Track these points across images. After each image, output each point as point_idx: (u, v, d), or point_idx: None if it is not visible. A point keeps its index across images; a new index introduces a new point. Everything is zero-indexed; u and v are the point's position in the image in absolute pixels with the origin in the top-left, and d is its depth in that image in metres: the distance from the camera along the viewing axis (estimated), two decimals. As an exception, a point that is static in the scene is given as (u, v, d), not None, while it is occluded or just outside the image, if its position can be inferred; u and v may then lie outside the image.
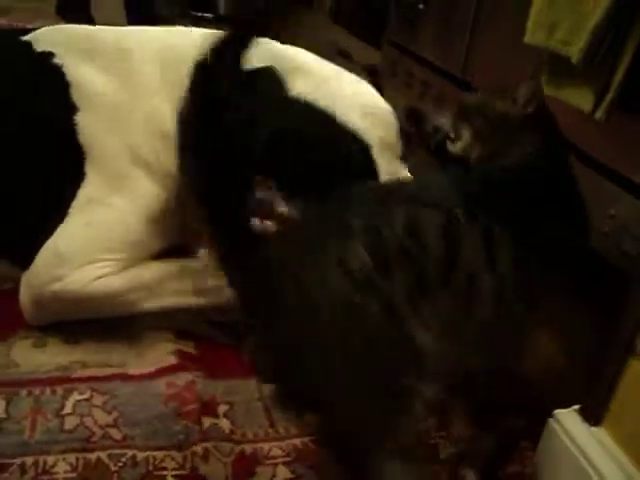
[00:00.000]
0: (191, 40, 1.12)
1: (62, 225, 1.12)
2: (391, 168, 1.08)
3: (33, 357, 1.12)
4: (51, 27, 1.27)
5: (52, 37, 1.22)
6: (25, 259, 1.13)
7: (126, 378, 1.08)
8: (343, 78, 1.13)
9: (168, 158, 1.09)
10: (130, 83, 1.14)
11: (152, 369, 1.11)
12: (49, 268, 1.10)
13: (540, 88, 1.05)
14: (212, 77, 0.85)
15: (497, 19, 1.62)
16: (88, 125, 1.13)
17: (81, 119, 1.13)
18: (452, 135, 0.98)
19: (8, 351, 1.13)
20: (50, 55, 1.17)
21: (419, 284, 0.73)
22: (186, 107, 0.80)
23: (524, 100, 0.98)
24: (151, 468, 0.93)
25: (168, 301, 1.15)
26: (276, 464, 0.96)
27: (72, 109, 1.13)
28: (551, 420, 0.92)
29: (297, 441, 1.00)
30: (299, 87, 1.06)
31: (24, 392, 1.05)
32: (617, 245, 1.07)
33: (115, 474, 0.92)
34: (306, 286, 0.73)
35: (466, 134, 0.97)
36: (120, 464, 0.93)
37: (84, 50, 1.17)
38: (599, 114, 1.12)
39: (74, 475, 0.91)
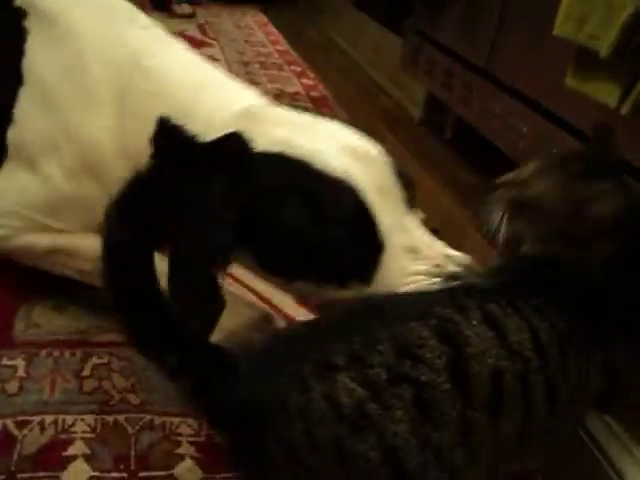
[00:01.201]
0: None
1: None
2: (395, 216, 0.83)
3: (53, 319, 1.14)
4: None
5: None
6: None
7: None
8: (321, 123, 0.89)
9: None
10: (77, 76, 1.06)
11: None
12: None
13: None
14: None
15: (525, 11, 1.62)
16: (24, 100, 1.09)
17: (21, 93, 1.09)
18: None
19: (29, 313, 1.15)
20: (24, 15, 1.11)
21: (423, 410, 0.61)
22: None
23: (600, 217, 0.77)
24: (167, 433, 0.95)
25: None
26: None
27: (18, 81, 1.09)
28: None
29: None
30: (268, 140, 0.84)
31: (44, 353, 1.07)
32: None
33: (133, 437, 0.94)
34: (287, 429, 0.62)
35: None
36: (137, 427, 0.96)
37: (51, 24, 1.10)
38: (625, 109, 1.12)
39: (93, 435, 0.94)
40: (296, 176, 0.81)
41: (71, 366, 1.05)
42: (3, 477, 0.86)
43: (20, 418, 0.95)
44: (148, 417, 0.97)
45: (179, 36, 1.15)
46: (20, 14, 1.11)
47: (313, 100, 2.41)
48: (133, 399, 1.00)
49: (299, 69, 2.80)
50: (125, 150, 1.01)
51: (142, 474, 0.89)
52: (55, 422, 0.95)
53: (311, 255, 0.81)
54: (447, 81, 1.99)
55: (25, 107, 1.08)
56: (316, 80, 2.65)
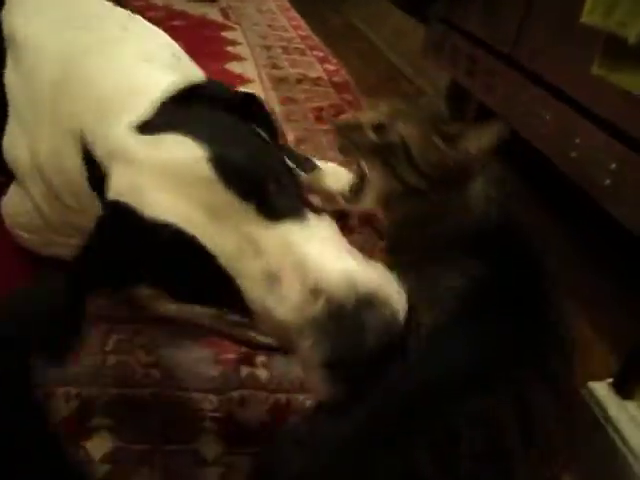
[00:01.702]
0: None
1: None
2: (239, 237, 0.68)
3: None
4: None
5: None
6: None
7: (166, 322, 1.11)
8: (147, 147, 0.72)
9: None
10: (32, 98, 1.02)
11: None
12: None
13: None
14: None
15: (551, -2, 1.61)
16: (10, 122, 1.06)
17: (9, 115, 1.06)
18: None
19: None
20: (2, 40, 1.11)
21: None
22: None
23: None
24: (190, 408, 0.97)
25: None
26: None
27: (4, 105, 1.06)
28: (583, 391, 0.94)
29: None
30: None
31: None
32: None
33: (156, 411, 0.96)
34: None
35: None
36: (161, 402, 0.97)
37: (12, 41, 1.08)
38: (652, 97, 1.12)
39: (117, 408, 0.95)
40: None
41: (94, 341, 1.07)
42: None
43: (45, 390, 0.96)
44: (170, 392, 0.99)
45: (199, 19, 1.13)
46: (2, 38, 1.12)
47: (335, 85, 2.40)
48: (156, 373, 1.02)
49: (321, 54, 2.79)
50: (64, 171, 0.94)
51: (165, 447, 0.91)
52: (79, 394, 0.97)
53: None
54: (471, 68, 1.98)
55: (9, 130, 1.06)
56: (338, 65, 2.65)
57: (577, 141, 1.36)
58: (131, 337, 1.08)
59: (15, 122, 1.05)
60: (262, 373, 1.04)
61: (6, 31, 1.10)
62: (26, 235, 1.14)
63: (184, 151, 0.69)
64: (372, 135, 0.91)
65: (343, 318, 0.63)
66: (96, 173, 0.81)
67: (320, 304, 0.64)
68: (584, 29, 1.25)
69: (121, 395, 0.97)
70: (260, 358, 1.07)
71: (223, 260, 0.67)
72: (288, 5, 3.84)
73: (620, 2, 1.17)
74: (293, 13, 3.64)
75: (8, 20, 1.11)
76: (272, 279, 0.66)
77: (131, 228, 0.69)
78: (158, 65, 0.97)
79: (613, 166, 1.24)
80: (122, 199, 0.70)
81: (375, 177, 0.93)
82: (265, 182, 0.70)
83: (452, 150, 0.87)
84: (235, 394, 1.00)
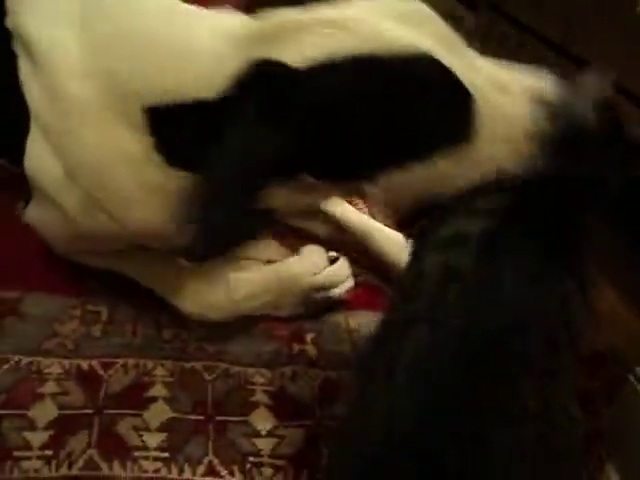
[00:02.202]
0: None
1: None
2: (467, 61, 0.79)
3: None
4: None
5: None
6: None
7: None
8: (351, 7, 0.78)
9: None
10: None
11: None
12: None
13: None
14: None
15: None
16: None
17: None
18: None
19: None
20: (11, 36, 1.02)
21: None
22: None
23: None
24: (242, 382, 1.00)
25: None
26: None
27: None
28: (630, 377, 0.94)
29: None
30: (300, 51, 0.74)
31: (125, 302, 1.12)
32: None
33: (209, 384, 0.99)
34: None
35: None
36: (214, 375, 1.00)
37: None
38: None
39: (172, 379, 0.99)
40: (354, 72, 0.73)
41: (151, 315, 1.10)
42: (91, 411, 0.92)
43: (105, 360, 1.00)
44: (224, 366, 1.02)
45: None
46: (9, 35, 1.02)
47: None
48: (209, 347, 1.05)
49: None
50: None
51: (218, 418, 0.94)
52: (137, 365, 1.00)
53: (400, 131, 0.75)
54: (519, 56, 1.97)
55: (32, 142, 1.00)
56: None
57: (633, 134, 1.35)
58: (185, 312, 1.11)
59: (37, 132, 0.98)
60: (312, 350, 1.07)
61: (21, 35, 1.00)
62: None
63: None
64: None
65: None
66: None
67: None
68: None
69: (176, 367, 1.01)
70: (309, 335, 1.10)
71: (461, 76, 0.75)
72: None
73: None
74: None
75: (21, 23, 1.01)
76: (501, 87, 0.76)
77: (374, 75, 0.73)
78: None
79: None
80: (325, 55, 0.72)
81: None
82: None
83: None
84: (287, 369, 1.02)
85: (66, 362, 0.99)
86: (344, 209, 1.26)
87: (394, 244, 1.20)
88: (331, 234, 1.26)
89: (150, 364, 1.01)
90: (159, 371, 1.00)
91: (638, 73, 1.30)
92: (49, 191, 0.99)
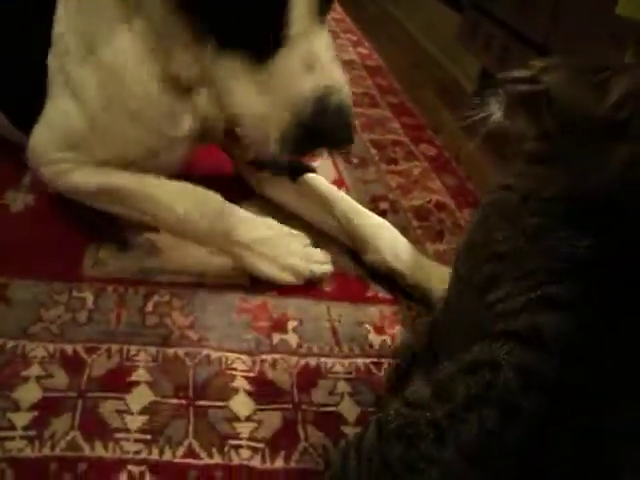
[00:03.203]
0: None
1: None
2: (308, 18, 0.90)
3: (119, 259, 1.22)
4: None
5: None
6: (25, 123, 1.21)
7: (202, 286, 1.17)
8: None
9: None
10: None
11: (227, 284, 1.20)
12: (31, 158, 1.21)
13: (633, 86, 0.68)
14: None
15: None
16: (59, 27, 1.14)
17: (55, 20, 1.15)
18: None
19: (97, 250, 1.23)
20: None
21: None
22: None
23: (619, 98, 0.67)
24: (223, 367, 1.02)
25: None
26: (337, 379, 1.03)
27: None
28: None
29: (360, 361, 1.07)
30: None
31: (110, 289, 1.14)
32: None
33: (191, 369, 1.01)
34: None
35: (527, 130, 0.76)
36: (196, 361, 1.02)
37: None
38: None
39: (154, 365, 1.01)
40: None
41: (135, 302, 1.12)
42: (75, 394, 0.94)
43: (89, 345, 1.02)
44: (205, 352, 1.04)
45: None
46: None
47: (368, 69, 2.44)
48: (192, 335, 1.07)
49: (355, 38, 2.82)
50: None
51: (199, 403, 0.96)
52: (120, 350, 1.02)
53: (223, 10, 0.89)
54: (503, 56, 2.01)
55: (61, 32, 1.13)
56: (371, 49, 2.68)
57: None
58: (169, 300, 1.14)
59: (69, 21, 1.12)
60: (293, 338, 1.09)
61: None
62: (59, 159, 1.18)
63: None
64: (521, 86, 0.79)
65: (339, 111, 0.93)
66: None
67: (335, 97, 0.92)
68: (620, 19, 1.28)
69: (159, 353, 1.03)
70: (291, 323, 1.12)
71: (291, 23, 0.89)
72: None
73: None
74: None
75: None
76: (309, 66, 0.91)
77: None
78: None
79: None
80: None
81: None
82: None
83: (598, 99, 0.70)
84: (267, 357, 1.05)
85: (50, 346, 1.01)
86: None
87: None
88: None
89: (133, 350, 1.03)
90: (142, 356, 1.02)
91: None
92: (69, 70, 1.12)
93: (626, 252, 0.67)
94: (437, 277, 1.17)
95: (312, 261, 1.20)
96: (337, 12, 3.27)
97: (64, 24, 1.13)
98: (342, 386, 1.02)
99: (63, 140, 1.16)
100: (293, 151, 0.98)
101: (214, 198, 1.17)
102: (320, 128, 0.93)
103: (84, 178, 1.17)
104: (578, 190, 0.70)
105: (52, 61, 1.16)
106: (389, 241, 1.24)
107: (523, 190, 0.73)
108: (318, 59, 0.91)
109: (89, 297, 1.12)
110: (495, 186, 0.78)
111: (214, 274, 1.21)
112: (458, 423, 0.64)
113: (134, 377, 0.99)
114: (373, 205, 1.48)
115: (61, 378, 0.96)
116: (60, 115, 1.16)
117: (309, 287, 1.21)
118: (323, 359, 1.06)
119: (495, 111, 0.79)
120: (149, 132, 1.16)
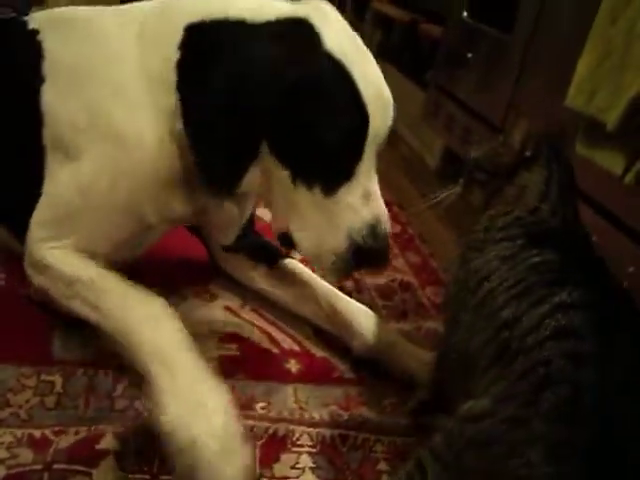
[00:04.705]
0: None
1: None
2: (370, 160, 1.07)
3: (89, 341, 1.20)
4: (47, 10, 1.37)
5: (42, 17, 1.30)
6: (18, 227, 1.21)
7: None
8: (369, 53, 1.10)
9: (139, 121, 1.11)
10: (99, 49, 1.16)
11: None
12: (28, 241, 1.18)
13: (535, 131, 1.06)
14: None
15: (542, 76, 1.72)
16: (49, 93, 1.17)
17: (45, 89, 1.17)
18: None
19: (66, 333, 1.23)
20: (35, 32, 1.24)
21: None
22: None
23: (520, 144, 1.03)
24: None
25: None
26: (300, 453, 1.06)
27: (41, 80, 1.17)
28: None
29: (327, 432, 1.10)
30: (337, 42, 1.03)
31: (80, 372, 1.15)
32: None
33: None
34: None
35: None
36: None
37: (63, 26, 1.23)
38: (628, 178, 1.22)
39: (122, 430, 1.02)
40: (342, 90, 1.02)
41: (104, 386, 1.13)
42: (40, 467, 0.95)
43: (57, 428, 1.03)
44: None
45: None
46: (34, 32, 1.24)
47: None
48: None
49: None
50: (150, 84, 1.10)
51: (163, 477, 0.97)
52: (89, 430, 1.03)
53: (312, 149, 1.02)
54: (465, 137, 2.09)
55: (53, 100, 1.16)
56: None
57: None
58: (139, 382, 1.14)
59: (62, 88, 1.16)
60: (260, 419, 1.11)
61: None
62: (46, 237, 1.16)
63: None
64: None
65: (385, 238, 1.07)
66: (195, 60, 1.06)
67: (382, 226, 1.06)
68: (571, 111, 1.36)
69: (127, 432, 1.03)
70: (259, 405, 1.14)
71: (360, 164, 1.06)
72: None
73: (601, 90, 1.27)
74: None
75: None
76: (365, 197, 1.05)
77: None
78: None
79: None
80: (344, 63, 1.02)
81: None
82: None
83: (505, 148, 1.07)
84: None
85: (19, 432, 1.01)
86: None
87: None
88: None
89: (100, 430, 1.03)
90: (109, 438, 1.02)
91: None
92: (74, 145, 1.13)
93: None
94: (415, 358, 1.23)
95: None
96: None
97: (59, 101, 1.15)
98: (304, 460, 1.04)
99: (55, 215, 1.16)
100: (344, 271, 1.09)
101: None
102: (369, 251, 1.05)
103: (62, 260, 1.14)
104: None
105: (48, 139, 1.17)
106: (371, 326, 1.28)
107: (485, 224, 1.00)
108: (372, 193, 1.06)
109: (58, 380, 1.13)
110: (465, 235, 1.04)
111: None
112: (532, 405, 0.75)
113: (102, 445, 1.00)
114: (338, 284, 1.51)
115: (27, 455, 0.97)
116: (57, 191, 1.15)
117: (276, 368, 1.23)
118: (292, 426, 1.10)
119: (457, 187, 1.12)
120: (143, 217, 1.17)
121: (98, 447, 0.99)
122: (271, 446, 1.05)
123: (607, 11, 1.28)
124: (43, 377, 1.13)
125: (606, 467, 0.72)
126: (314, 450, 1.06)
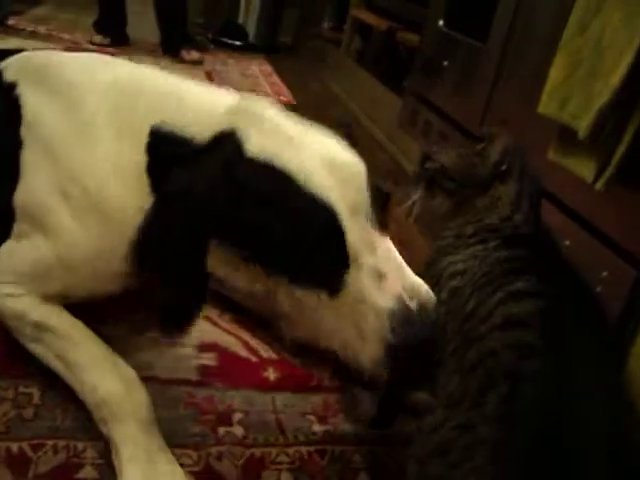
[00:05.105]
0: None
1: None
2: (365, 236, 0.90)
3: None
4: (23, 55, 1.33)
5: (19, 67, 1.27)
6: None
7: (151, 379, 1.18)
8: (307, 134, 0.96)
9: (114, 193, 1.08)
10: (73, 114, 1.13)
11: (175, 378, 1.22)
12: None
13: (511, 144, 1.08)
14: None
15: (516, 85, 1.75)
16: (26, 158, 1.15)
17: (23, 154, 1.15)
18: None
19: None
20: (13, 86, 1.21)
21: None
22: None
23: (499, 157, 1.04)
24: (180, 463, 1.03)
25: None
26: (280, 470, 1.06)
27: (19, 145, 1.15)
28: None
29: (304, 449, 1.11)
30: (259, 146, 0.92)
31: (58, 383, 1.14)
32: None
33: (138, 464, 1.02)
34: None
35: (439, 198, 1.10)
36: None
37: (40, 82, 1.20)
38: (599, 185, 1.24)
39: (102, 462, 1.02)
40: (279, 188, 0.89)
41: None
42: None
43: (35, 441, 1.03)
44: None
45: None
46: (10, 86, 1.21)
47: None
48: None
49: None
50: (123, 172, 1.06)
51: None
52: (67, 446, 1.03)
53: (284, 255, 0.90)
54: (442, 143, 2.11)
55: (29, 166, 1.14)
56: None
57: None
58: (116, 393, 1.15)
59: (37, 152, 1.13)
60: (238, 430, 1.12)
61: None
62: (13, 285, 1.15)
63: (345, 151, 0.97)
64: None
65: (424, 314, 0.89)
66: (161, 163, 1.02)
67: (414, 301, 0.88)
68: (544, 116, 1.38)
69: (107, 448, 1.03)
70: (237, 415, 1.15)
71: (350, 248, 0.89)
72: (270, 70, 4.01)
73: (573, 97, 1.29)
74: (275, 78, 3.81)
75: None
76: (378, 276, 0.89)
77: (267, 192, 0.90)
78: None
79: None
80: (269, 160, 0.91)
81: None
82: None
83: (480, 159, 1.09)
84: (213, 450, 1.07)
85: (-4, 445, 1.01)
86: None
87: None
88: None
89: (80, 445, 1.04)
90: (89, 453, 1.03)
91: (542, 165, 1.43)
92: (42, 221, 1.11)
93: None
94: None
95: None
96: (284, 95, 3.39)
97: (37, 158, 1.13)
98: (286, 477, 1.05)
99: (22, 271, 1.15)
100: (394, 368, 0.89)
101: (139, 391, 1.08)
102: (410, 341, 0.88)
103: (29, 307, 1.14)
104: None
105: (20, 198, 1.15)
106: None
107: (455, 231, 1.03)
108: (385, 266, 0.90)
109: (35, 392, 1.13)
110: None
111: (162, 367, 1.23)
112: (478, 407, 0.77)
113: (82, 474, 1.00)
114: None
115: (6, 477, 0.96)
116: (26, 248, 1.14)
117: (254, 376, 1.24)
118: (268, 449, 1.09)
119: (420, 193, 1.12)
120: (115, 276, 1.13)
121: (77, 477, 0.99)
122: (251, 466, 1.06)
123: (576, 21, 1.30)
124: (21, 389, 1.13)
125: (548, 460, 0.71)
126: (293, 466, 1.07)
